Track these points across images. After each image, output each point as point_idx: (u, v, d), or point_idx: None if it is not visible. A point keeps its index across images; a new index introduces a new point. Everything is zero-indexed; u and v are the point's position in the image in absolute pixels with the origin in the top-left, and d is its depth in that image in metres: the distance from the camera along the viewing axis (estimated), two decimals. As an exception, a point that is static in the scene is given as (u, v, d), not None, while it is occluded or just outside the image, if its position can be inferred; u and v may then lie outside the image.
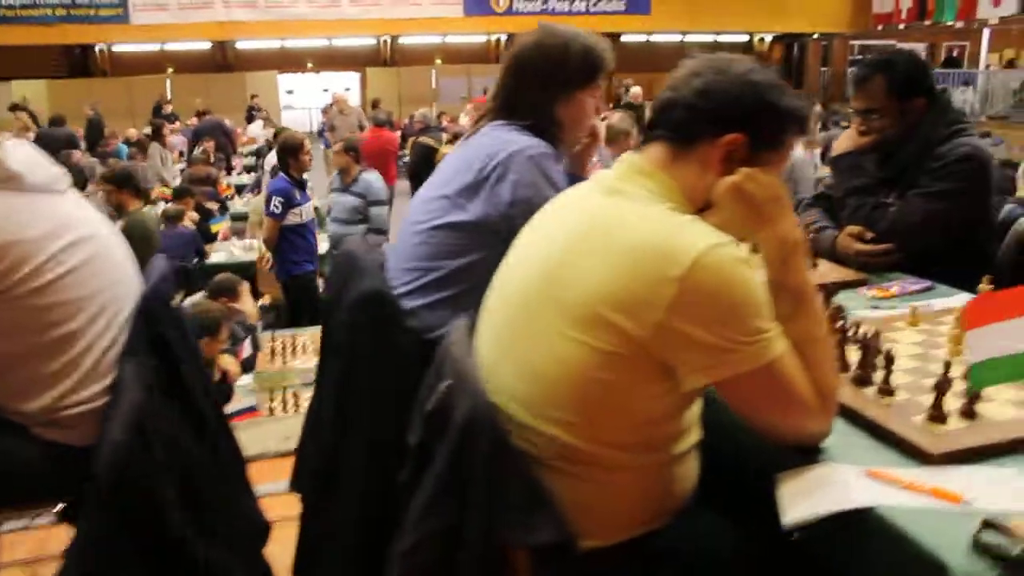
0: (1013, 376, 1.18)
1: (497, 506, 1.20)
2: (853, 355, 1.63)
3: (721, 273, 1.22)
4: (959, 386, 1.42)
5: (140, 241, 5.47)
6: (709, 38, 21.30)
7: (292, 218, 5.41)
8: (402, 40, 21.20)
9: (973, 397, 1.40)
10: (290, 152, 5.43)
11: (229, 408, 3.75)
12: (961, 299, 2.11)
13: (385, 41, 21.27)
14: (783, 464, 1.32)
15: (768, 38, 22.02)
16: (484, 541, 1.22)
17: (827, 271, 2.36)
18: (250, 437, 3.11)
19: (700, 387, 1.26)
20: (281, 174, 5.49)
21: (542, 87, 2.15)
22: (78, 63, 20.21)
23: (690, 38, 21.07)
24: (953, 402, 1.41)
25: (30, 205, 1.94)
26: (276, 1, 17.64)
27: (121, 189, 5.45)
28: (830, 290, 2.06)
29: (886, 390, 1.50)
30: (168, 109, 16.66)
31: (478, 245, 2.09)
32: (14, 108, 13.18)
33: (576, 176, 2.39)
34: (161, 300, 2.12)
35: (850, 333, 1.74)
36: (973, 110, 16.16)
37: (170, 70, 20.77)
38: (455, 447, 1.23)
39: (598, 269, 1.26)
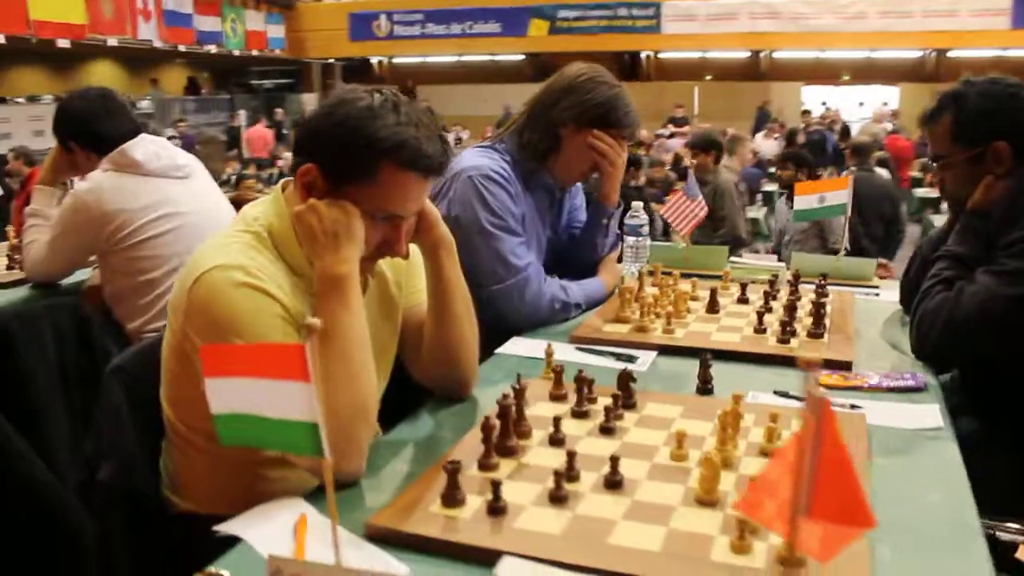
0: (262, 440, 1.02)
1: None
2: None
3: (212, 291, 1.32)
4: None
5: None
6: None
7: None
8: (952, 54, 19.34)
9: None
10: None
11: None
12: (920, 415, 1.60)
13: (931, 54, 19.59)
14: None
15: None
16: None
17: (818, 347, 1.92)
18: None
19: None
20: None
21: (553, 105, 2.19)
22: (627, 68, 22.19)
23: None
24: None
25: (142, 185, 2.64)
26: (801, 13, 17.38)
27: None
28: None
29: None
30: (679, 113, 17.54)
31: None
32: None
33: (597, 204, 2.35)
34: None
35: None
36: None
37: (708, 77, 21.70)
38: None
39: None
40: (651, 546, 1.11)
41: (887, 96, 19.95)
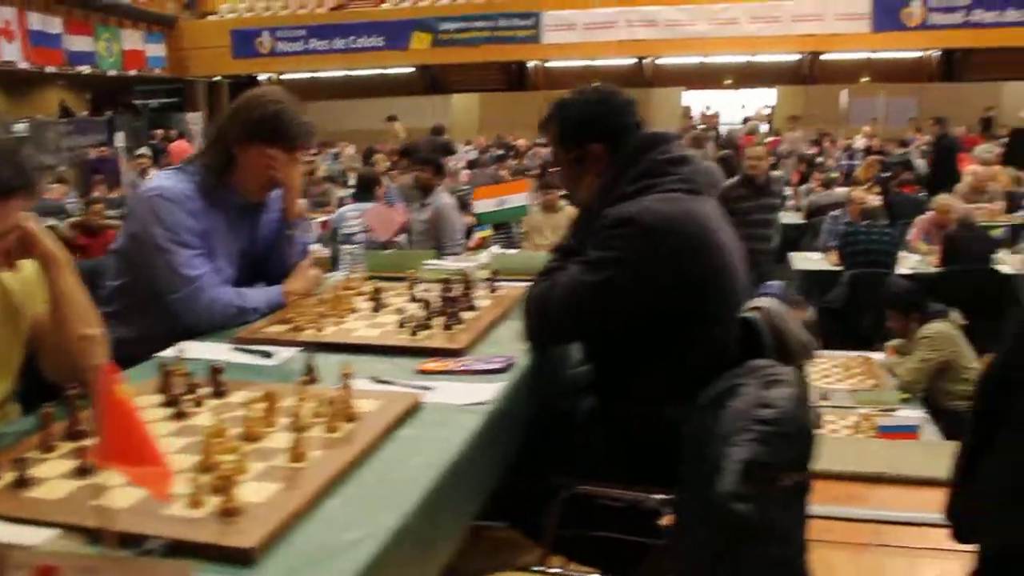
0: None
1: None
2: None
3: None
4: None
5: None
6: None
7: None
8: (825, 57, 20.24)
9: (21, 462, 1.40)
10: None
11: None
12: (475, 393, 1.85)
13: (805, 57, 20.46)
14: None
15: None
16: None
17: (438, 337, 2.18)
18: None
19: None
20: None
21: (228, 125, 2.41)
22: (515, 78, 22.56)
23: None
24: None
25: None
26: (676, 20, 18.00)
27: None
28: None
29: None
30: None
31: (124, 271, 2.43)
32: (390, 119, 15.47)
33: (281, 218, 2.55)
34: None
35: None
36: None
37: (595, 85, 22.21)
38: None
39: None
40: (123, 504, 1.34)
41: (768, 98, 20.77)
